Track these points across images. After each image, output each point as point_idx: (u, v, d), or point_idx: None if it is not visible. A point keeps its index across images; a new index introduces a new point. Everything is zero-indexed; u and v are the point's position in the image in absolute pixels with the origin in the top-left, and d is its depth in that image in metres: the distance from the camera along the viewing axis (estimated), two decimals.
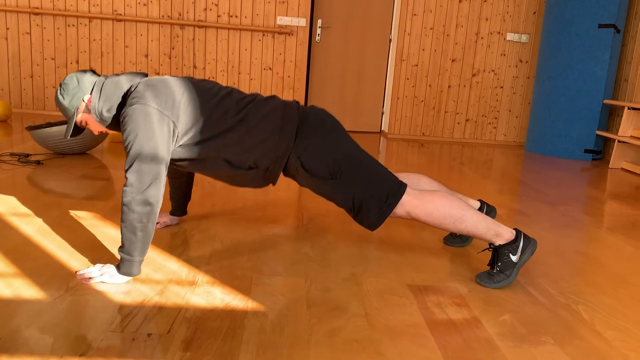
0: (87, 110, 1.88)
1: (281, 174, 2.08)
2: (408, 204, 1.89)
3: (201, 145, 1.86)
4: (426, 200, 1.89)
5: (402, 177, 2.18)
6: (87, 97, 1.86)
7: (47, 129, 3.51)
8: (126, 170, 1.71)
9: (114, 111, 1.86)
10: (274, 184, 2.01)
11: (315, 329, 1.52)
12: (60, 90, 1.87)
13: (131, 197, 1.69)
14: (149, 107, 1.75)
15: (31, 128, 3.58)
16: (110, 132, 1.98)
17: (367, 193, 1.88)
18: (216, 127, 1.85)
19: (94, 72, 1.92)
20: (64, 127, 3.54)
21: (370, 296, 1.77)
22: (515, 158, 5.09)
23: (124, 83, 1.87)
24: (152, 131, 1.73)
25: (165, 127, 1.77)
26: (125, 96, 1.86)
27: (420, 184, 2.17)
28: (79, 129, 1.96)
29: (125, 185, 1.70)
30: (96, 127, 1.93)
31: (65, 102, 1.86)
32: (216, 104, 1.87)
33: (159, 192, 1.72)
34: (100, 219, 2.37)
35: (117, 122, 1.89)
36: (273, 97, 1.98)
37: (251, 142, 1.87)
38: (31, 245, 2.00)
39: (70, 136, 1.93)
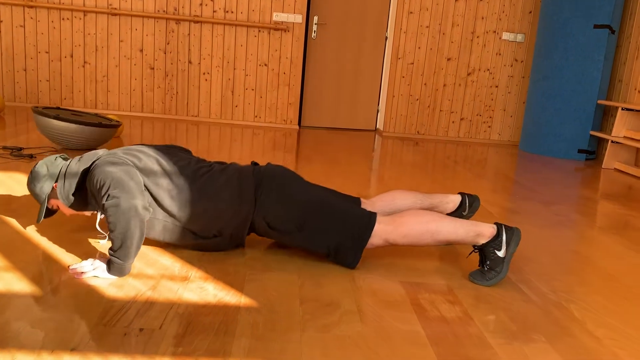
0: (55, 195, 1.93)
1: (253, 234, 2.13)
2: (382, 231, 1.91)
3: (164, 219, 1.89)
4: (398, 224, 1.91)
5: (375, 200, 2.21)
6: (54, 184, 1.92)
7: (55, 121, 3.46)
8: (105, 202, 1.72)
9: (74, 187, 1.89)
10: (242, 246, 2.06)
11: (308, 325, 1.52)
12: (31, 177, 1.94)
13: (115, 214, 1.69)
14: (115, 159, 1.82)
15: (37, 112, 3.51)
16: (82, 213, 2.00)
17: (338, 235, 1.91)
18: (177, 199, 1.88)
19: (64, 157, 1.98)
20: (71, 125, 3.50)
21: (363, 293, 1.77)
22: (509, 157, 5.11)
23: (83, 163, 1.91)
24: (123, 171, 1.78)
25: (135, 174, 1.81)
26: (85, 173, 1.90)
27: (395, 202, 2.20)
28: (51, 211, 2.03)
29: (106, 210, 1.71)
30: (66, 210, 1.97)
31: (37, 189, 1.92)
32: (176, 177, 1.90)
33: (143, 201, 1.76)
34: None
35: (83, 202, 1.93)
36: (228, 166, 2.03)
37: (212, 213, 1.91)
38: (23, 239, 1.99)
39: (44, 218, 1.99)
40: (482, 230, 1.91)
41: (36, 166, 1.94)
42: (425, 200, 2.24)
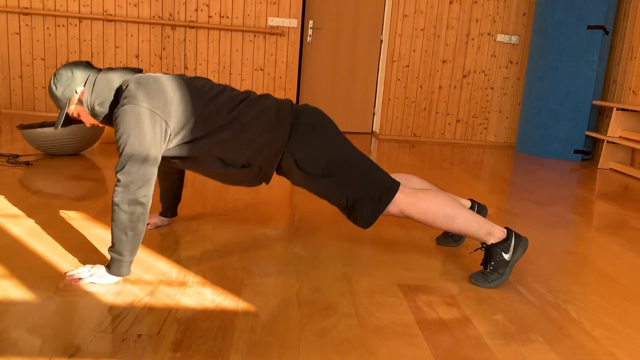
0: (80, 102, 1.87)
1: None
2: (401, 202, 1.90)
3: (194, 144, 1.86)
4: (419, 199, 1.90)
5: (394, 177, 2.18)
6: (80, 89, 1.85)
7: (39, 129, 3.48)
8: (117, 171, 1.71)
9: (106, 107, 1.85)
10: (267, 182, 2.01)
11: (306, 329, 1.53)
12: (53, 79, 1.86)
13: (121, 197, 1.68)
14: (140, 107, 1.74)
15: (23, 127, 3.55)
16: (102, 125, 1.97)
17: (360, 191, 1.89)
18: (209, 125, 1.85)
19: (89, 63, 1.91)
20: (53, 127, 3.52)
21: (360, 296, 1.78)
22: (505, 158, 5.12)
23: (116, 80, 1.85)
24: (144, 132, 1.73)
25: (158, 128, 1.76)
26: (118, 93, 1.85)
27: (411, 184, 2.17)
28: (70, 120, 1.95)
29: (116, 185, 1.70)
30: (88, 119, 1.92)
31: (58, 92, 1.85)
32: (209, 102, 1.87)
33: (149, 192, 1.72)
34: (90, 220, 2.36)
35: (108, 118, 1.89)
36: (267, 96, 1.98)
37: (244, 141, 1.87)
38: (20, 246, 1.99)
39: (62, 126, 1.91)
40: (493, 230, 1.91)
41: (60, 68, 1.86)
42: (440, 191, 2.24)
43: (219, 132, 1.86)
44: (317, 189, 1.93)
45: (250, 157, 1.89)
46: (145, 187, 1.71)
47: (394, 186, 1.91)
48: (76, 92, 1.86)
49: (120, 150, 1.72)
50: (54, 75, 1.87)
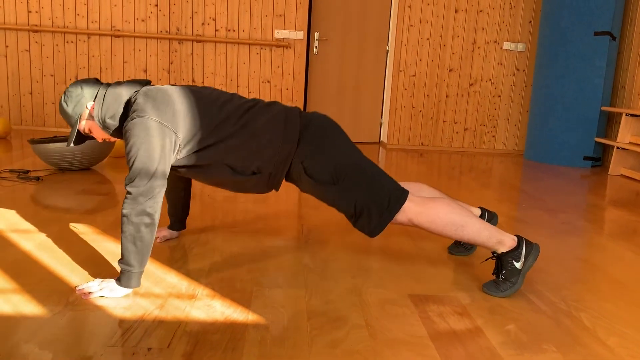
0: (91, 117, 1.89)
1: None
2: (410, 210, 1.89)
3: (204, 153, 1.87)
4: (428, 207, 1.89)
5: (404, 185, 2.18)
6: (90, 104, 1.88)
7: (50, 144, 3.51)
8: (127, 184, 1.72)
9: (117, 119, 1.87)
10: (277, 189, 2.02)
11: (316, 341, 1.52)
12: (64, 97, 1.89)
13: (130, 209, 1.69)
14: (149, 120, 1.76)
15: (34, 142, 3.58)
16: (114, 139, 1.99)
17: (369, 199, 1.88)
18: (218, 133, 1.86)
19: (97, 80, 1.94)
20: (65, 143, 3.55)
21: (370, 307, 1.77)
22: (514, 166, 5.10)
23: (125, 93, 1.88)
24: (153, 146, 1.74)
25: (167, 139, 1.77)
26: (127, 106, 1.87)
27: (422, 193, 2.17)
28: (82, 138, 1.97)
29: (125, 197, 1.72)
30: (100, 134, 1.94)
31: (69, 109, 1.87)
32: (217, 111, 1.88)
33: (157, 203, 1.74)
34: (100, 234, 2.36)
35: (119, 131, 1.90)
36: (275, 103, 1.99)
37: (254, 148, 1.88)
38: (31, 261, 2.00)
39: (73, 144, 1.93)
40: (504, 239, 1.90)
41: (69, 86, 1.89)
42: (450, 199, 2.23)
43: (228, 140, 1.87)
44: (325, 196, 1.93)
45: (259, 164, 1.90)
46: (154, 199, 1.72)
47: (403, 194, 1.90)
48: (87, 108, 1.88)
49: (130, 164, 1.73)
50: (64, 93, 1.89)
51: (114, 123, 1.87)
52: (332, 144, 1.93)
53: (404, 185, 2.17)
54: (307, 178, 1.92)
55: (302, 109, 5.92)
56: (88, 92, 1.87)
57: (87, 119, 1.90)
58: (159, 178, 1.74)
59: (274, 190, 1.91)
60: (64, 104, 1.88)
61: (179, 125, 1.81)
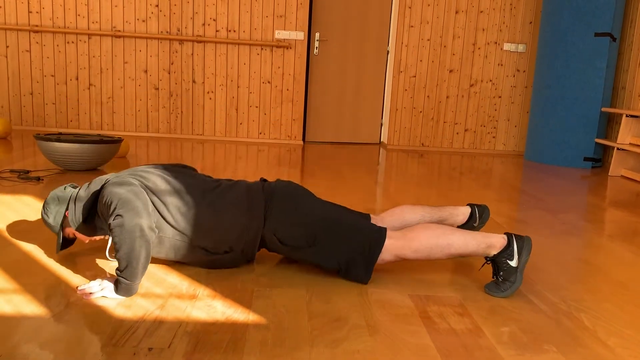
0: (69, 223, 1.95)
1: (264, 250, 2.13)
2: (392, 247, 1.90)
3: (174, 236, 1.89)
4: (409, 239, 1.91)
5: (384, 216, 2.21)
6: (66, 211, 1.94)
7: (57, 143, 3.50)
8: (112, 219, 1.73)
9: (83, 212, 1.90)
10: (252, 261, 2.07)
11: (317, 341, 1.52)
12: (43, 210, 1.97)
13: (120, 229, 1.71)
14: (122, 179, 1.83)
15: (39, 138, 3.57)
16: (98, 238, 2.02)
17: (348, 251, 1.91)
18: (186, 216, 1.88)
19: (73, 185, 2.01)
20: (74, 145, 3.53)
21: (371, 307, 1.77)
22: (514, 167, 5.10)
23: (96, 185, 1.93)
24: (127, 188, 1.79)
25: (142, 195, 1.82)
26: (96, 198, 1.91)
27: (405, 217, 2.19)
28: (68, 241, 2.04)
29: (114, 225, 1.72)
30: (84, 237, 2.00)
31: (50, 220, 1.95)
32: (184, 193, 1.90)
33: (149, 221, 1.76)
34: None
35: (92, 225, 1.95)
36: (237, 182, 2.03)
37: (221, 229, 1.91)
38: (31, 261, 2.00)
39: (61, 249, 1.99)
40: (492, 242, 1.90)
41: (47, 198, 1.97)
42: (434, 213, 2.23)
43: (197, 224, 1.88)
44: (306, 258, 1.96)
45: (231, 243, 1.93)
46: (144, 217, 1.76)
47: (381, 235, 1.91)
48: (66, 216, 1.94)
49: (111, 211, 1.76)
50: (43, 206, 1.97)
51: (82, 221, 1.91)
52: (298, 208, 1.95)
53: (386, 214, 2.20)
54: (283, 247, 1.95)
55: (302, 109, 5.92)
56: (64, 199, 1.94)
57: (66, 226, 1.97)
58: (143, 199, 1.80)
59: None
60: (45, 217, 1.96)
61: (150, 196, 1.85)
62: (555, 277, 2.14)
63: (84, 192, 1.93)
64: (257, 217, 1.93)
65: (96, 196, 1.90)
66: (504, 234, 1.93)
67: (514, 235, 1.92)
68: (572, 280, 2.13)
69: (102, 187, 1.88)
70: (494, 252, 1.90)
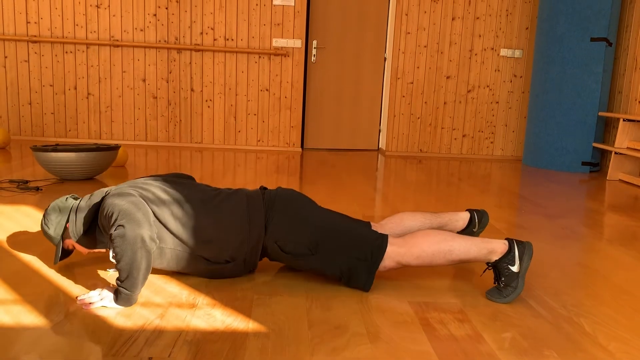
0: (69, 235, 1.96)
1: (266, 259, 2.13)
2: (394, 253, 1.90)
3: (175, 247, 1.89)
4: (410, 245, 1.91)
5: (384, 223, 2.21)
6: (67, 223, 1.94)
7: (53, 153, 3.51)
8: (113, 229, 1.73)
9: (84, 224, 1.91)
10: (253, 271, 2.06)
11: (317, 349, 1.52)
12: (44, 220, 1.96)
13: (121, 239, 1.70)
14: (122, 191, 1.83)
15: (36, 149, 3.58)
16: (98, 251, 2.02)
17: (351, 258, 1.90)
18: (186, 227, 1.88)
19: (74, 197, 2.01)
20: (70, 154, 3.54)
21: (371, 314, 1.77)
22: (513, 172, 5.11)
23: (97, 196, 1.93)
24: (128, 199, 1.79)
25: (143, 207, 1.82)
26: (98, 208, 1.91)
27: (404, 224, 2.19)
28: (67, 252, 2.04)
29: (115, 235, 1.72)
30: (83, 249, 2.00)
31: (50, 231, 1.95)
32: (183, 203, 1.91)
33: (150, 231, 1.76)
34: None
35: (92, 237, 1.95)
36: (237, 191, 2.03)
37: (222, 239, 1.90)
38: (31, 272, 2.00)
39: (60, 259, 1.99)
40: (494, 247, 1.90)
41: (48, 209, 1.96)
42: (434, 220, 2.24)
43: (198, 235, 1.88)
44: (309, 266, 1.95)
45: (232, 252, 1.92)
46: (145, 227, 1.75)
47: (383, 242, 1.91)
48: (66, 227, 1.94)
49: (112, 222, 1.75)
50: (43, 216, 1.97)
51: (83, 233, 1.91)
52: (300, 216, 1.94)
53: (386, 222, 2.20)
54: (285, 255, 1.94)
55: (301, 116, 5.93)
56: (65, 210, 1.94)
57: (69, 238, 1.96)
58: (144, 210, 1.79)
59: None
60: (45, 227, 1.95)
61: (151, 207, 1.86)
62: (555, 282, 2.14)
63: (85, 203, 1.93)
64: (258, 226, 1.93)
65: (97, 208, 1.90)
66: (505, 239, 1.93)
67: (515, 240, 1.92)
68: (571, 285, 2.13)
69: (103, 199, 1.88)
70: (495, 257, 1.90)
